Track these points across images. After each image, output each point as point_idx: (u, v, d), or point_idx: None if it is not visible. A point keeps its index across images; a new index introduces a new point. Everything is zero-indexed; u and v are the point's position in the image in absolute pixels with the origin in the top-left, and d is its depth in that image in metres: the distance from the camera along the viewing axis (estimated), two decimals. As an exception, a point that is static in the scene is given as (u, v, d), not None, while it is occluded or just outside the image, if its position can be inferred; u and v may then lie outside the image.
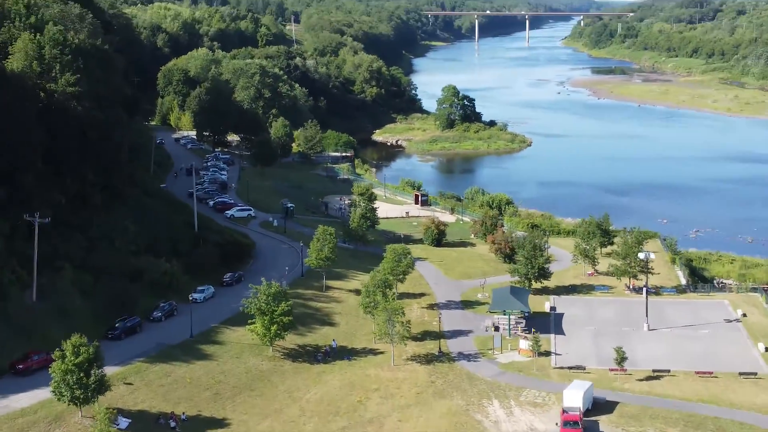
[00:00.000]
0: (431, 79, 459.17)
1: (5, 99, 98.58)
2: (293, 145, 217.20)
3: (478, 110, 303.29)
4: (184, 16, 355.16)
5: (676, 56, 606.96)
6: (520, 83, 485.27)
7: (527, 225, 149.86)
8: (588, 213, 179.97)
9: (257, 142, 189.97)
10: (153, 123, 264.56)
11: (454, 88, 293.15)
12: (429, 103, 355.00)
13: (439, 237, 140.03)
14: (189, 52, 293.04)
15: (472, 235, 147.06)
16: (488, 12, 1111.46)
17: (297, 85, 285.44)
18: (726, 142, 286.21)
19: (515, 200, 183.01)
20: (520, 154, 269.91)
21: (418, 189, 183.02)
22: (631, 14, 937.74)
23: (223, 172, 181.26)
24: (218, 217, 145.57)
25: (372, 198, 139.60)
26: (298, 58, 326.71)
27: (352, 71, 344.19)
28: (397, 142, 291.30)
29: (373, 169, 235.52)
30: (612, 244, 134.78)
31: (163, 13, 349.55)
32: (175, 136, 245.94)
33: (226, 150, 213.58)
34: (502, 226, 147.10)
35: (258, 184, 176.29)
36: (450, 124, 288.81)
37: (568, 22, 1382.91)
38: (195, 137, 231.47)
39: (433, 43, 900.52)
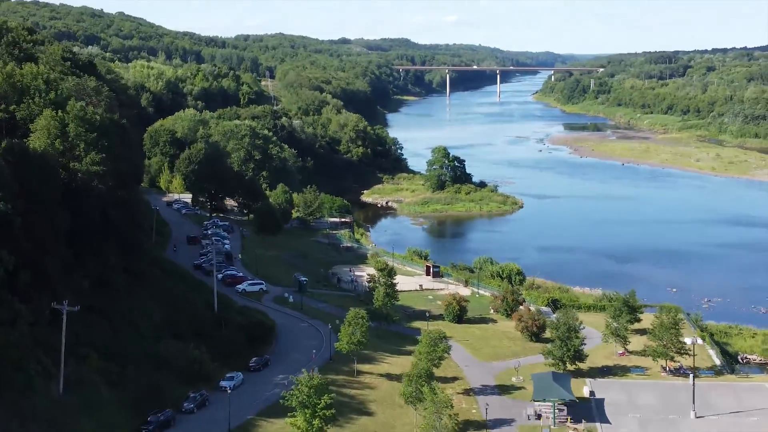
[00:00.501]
0: (407, 135, 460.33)
1: (30, 182, 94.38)
2: (292, 211, 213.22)
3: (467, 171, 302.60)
4: (167, 75, 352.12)
5: (651, 113, 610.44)
6: (500, 140, 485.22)
7: (547, 300, 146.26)
8: (595, 282, 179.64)
9: (260, 211, 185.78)
10: (142, 185, 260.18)
11: (444, 149, 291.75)
12: (411, 161, 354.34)
13: (460, 314, 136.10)
14: (176, 113, 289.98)
15: (492, 310, 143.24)
16: (459, 66, 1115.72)
17: (286, 147, 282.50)
18: (717, 204, 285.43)
19: (517, 268, 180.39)
20: (513, 217, 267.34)
21: (425, 258, 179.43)
22: (602, 69, 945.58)
23: (225, 241, 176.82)
24: (229, 292, 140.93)
25: (392, 274, 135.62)
26: (284, 118, 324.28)
27: (337, 130, 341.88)
28: (387, 203, 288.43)
29: (369, 234, 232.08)
30: (639, 321, 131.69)
31: (146, 72, 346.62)
32: (166, 199, 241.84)
33: (222, 215, 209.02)
34: (524, 301, 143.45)
35: (262, 254, 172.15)
36: (441, 186, 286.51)
37: (536, 76, 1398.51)
38: (188, 201, 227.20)
39: (405, 97, 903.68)
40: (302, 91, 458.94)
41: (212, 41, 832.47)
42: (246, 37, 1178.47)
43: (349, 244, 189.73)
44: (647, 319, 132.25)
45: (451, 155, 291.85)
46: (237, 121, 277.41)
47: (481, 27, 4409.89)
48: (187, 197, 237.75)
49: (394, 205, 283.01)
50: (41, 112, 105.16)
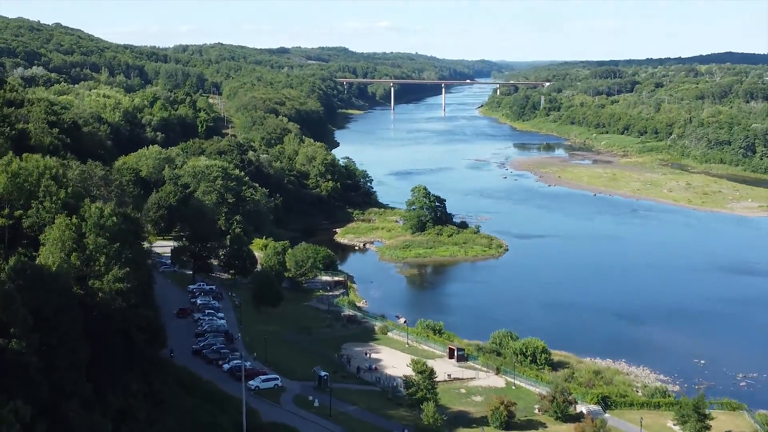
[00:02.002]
0: (360, 157, 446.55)
1: (46, 310, 78.50)
2: (285, 274, 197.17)
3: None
4: (124, 105, 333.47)
5: (607, 132, 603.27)
6: (460, 164, 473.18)
7: (597, 397, 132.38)
8: (608, 350, 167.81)
9: (258, 281, 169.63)
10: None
11: (425, 189, 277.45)
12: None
13: (508, 419, 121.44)
14: (139, 150, 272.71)
15: (538, 410, 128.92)
16: (403, 80, 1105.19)
17: (259, 187, 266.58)
18: (709, 245, 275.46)
19: (523, 334, 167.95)
20: (500, 262, 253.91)
21: (440, 332, 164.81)
22: (547, 83, 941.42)
23: (219, 314, 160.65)
24: (238, 388, 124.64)
25: (432, 375, 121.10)
26: (251, 152, 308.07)
27: (305, 163, 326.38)
28: (364, 245, 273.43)
29: (355, 285, 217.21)
30: (708, 429, 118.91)
31: (102, 101, 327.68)
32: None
33: (206, 273, 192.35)
34: (575, 401, 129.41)
35: (261, 329, 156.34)
36: (421, 227, 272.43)
37: (473, 86, 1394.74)
38: (160, 252, 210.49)
39: (350, 111, 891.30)
40: (257, 114, 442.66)
41: (153, 54, 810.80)
42: (185, 48, 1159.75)
43: (350, 313, 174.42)
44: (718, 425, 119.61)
45: (431, 195, 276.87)
46: (207, 161, 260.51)
47: (415, 33, 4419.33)
48: (163, 246, 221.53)
49: (373, 249, 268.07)
50: (53, 219, 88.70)
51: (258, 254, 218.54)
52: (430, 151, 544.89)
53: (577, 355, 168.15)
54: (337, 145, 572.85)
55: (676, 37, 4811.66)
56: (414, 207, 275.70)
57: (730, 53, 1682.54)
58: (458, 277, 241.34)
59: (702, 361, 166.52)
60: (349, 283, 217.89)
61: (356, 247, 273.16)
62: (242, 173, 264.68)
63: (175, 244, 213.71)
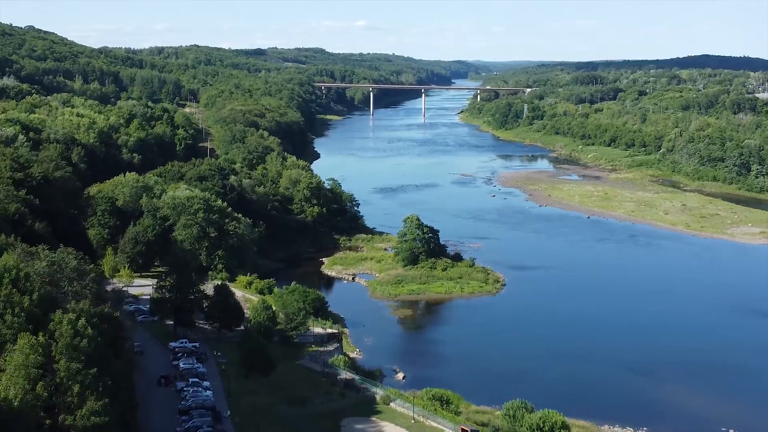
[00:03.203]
0: (341, 170, 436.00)
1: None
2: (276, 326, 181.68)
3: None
4: (99, 125, 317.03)
5: (593, 144, 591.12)
6: (445, 180, 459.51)
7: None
8: (628, 416, 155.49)
9: (248, 347, 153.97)
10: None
11: (417, 219, 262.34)
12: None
13: None
14: (114, 177, 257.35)
15: None
16: (382, 85, 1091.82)
17: (242, 218, 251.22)
18: (718, 279, 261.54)
19: (535, 396, 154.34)
20: (499, 299, 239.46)
21: (448, 403, 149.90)
22: (528, 90, 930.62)
23: (205, 383, 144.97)
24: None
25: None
26: (232, 177, 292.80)
27: (289, 187, 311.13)
28: (353, 278, 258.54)
29: (347, 330, 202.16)
30: None
31: (76, 121, 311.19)
32: (112, 287, 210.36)
33: (188, 326, 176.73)
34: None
35: (252, 401, 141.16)
36: (414, 260, 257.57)
37: (450, 90, 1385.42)
38: (144, 298, 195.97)
39: (328, 117, 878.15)
40: (236, 128, 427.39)
41: (128, 59, 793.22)
42: (161, 50, 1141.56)
43: (348, 377, 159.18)
44: None
45: (424, 225, 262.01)
46: (187, 191, 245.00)
47: (392, 33, 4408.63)
48: (141, 286, 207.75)
49: (363, 283, 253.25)
50: (15, 337, 73.32)
51: (240, 292, 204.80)
52: (413, 164, 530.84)
53: (596, 423, 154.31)
54: (317, 156, 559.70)
55: (652, 38, 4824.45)
56: (406, 238, 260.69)
57: (706, 56, 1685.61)
58: (456, 318, 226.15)
59: (730, 431, 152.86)
60: (341, 329, 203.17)
61: (344, 281, 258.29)
62: (224, 203, 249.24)
63: (154, 284, 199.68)
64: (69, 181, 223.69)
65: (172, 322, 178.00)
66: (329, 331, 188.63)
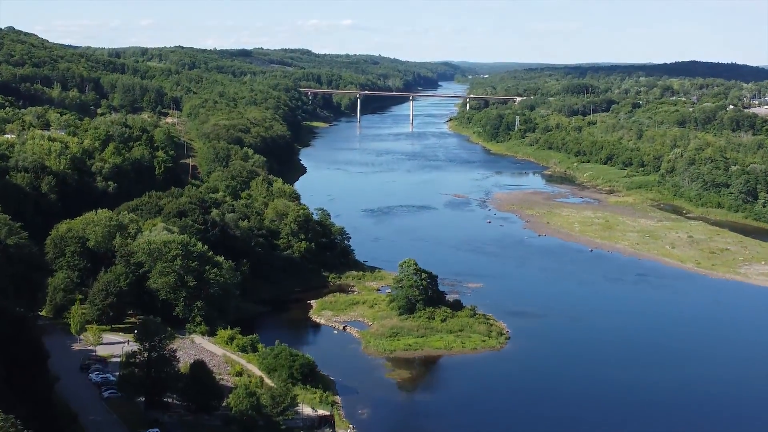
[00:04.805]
0: (329, 187, 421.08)
1: None
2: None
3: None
4: (72, 150, 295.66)
5: (588, 161, 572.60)
6: (437, 202, 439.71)
7: None
8: None
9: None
10: (42, 314, 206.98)
11: (415, 264, 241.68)
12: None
13: None
14: (86, 214, 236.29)
15: None
16: (369, 92, 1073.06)
17: (224, 261, 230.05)
18: (748, 335, 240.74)
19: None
20: (504, 357, 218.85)
21: None
22: (519, 99, 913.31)
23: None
24: None
25: None
26: (214, 211, 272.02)
27: (275, 219, 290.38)
28: (344, 328, 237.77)
29: (352, 427, 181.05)
30: None
31: (47, 146, 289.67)
32: (78, 347, 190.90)
33: (162, 411, 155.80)
34: None
35: None
36: (410, 309, 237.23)
37: (437, 91, 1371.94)
38: (113, 362, 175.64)
39: (315, 123, 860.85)
40: (219, 146, 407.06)
41: (110, 63, 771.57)
42: (144, 51, 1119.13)
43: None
44: None
45: (422, 270, 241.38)
46: (165, 234, 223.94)
47: (379, 32, 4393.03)
48: (111, 343, 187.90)
49: (355, 334, 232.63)
50: None
51: (221, 351, 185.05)
52: (404, 181, 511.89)
53: None
54: (304, 170, 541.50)
55: (639, 41, 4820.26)
56: (402, 284, 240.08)
57: (694, 62, 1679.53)
58: (458, 383, 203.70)
59: None
60: (332, 398, 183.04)
61: (335, 330, 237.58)
62: (205, 246, 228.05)
63: (126, 343, 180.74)
64: (25, 249, 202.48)
65: (143, 399, 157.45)
66: (320, 412, 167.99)
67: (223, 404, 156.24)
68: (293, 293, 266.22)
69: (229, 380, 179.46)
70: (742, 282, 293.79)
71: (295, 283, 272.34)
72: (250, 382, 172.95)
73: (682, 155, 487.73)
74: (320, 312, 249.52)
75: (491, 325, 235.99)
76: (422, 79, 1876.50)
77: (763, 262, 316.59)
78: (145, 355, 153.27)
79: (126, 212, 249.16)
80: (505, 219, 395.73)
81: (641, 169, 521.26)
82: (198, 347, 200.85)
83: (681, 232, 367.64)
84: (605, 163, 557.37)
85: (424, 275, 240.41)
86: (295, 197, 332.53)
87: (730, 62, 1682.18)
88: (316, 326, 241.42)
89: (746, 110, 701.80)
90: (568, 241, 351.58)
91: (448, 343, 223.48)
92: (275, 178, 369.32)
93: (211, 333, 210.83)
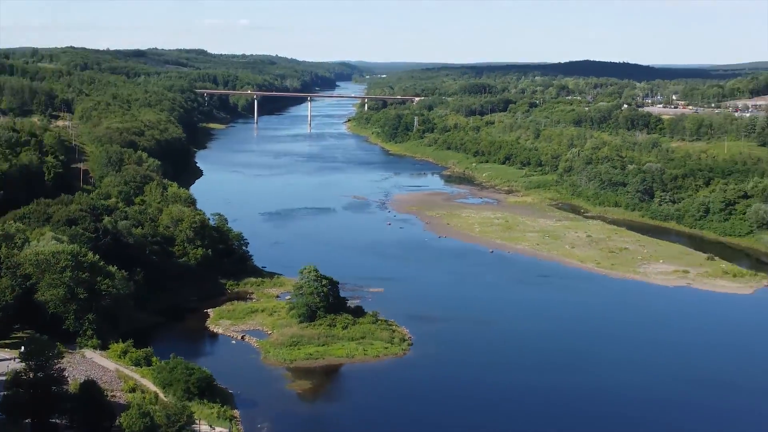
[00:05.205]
0: (226, 190, 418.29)
1: None
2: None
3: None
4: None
5: (487, 161, 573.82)
6: (337, 203, 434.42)
7: None
8: None
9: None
10: None
11: (315, 270, 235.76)
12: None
13: None
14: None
15: None
16: (267, 92, 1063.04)
17: (117, 271, 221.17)
18: (657, 339, 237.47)
19: None
20: (407, 364, 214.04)
21: None
22: (417, 99, 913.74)
23: None
24: None
25: None
26: (106, 218, 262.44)
27: (170, 226, 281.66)
28: (243, 338, 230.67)
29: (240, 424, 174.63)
30: None
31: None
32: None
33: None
34: None
35: None
36: (311, 317, 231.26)
37: (335, 90, 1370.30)
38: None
39: (211, 125, 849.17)
40: (112, 149, 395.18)
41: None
42: (34, 51, 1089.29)
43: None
44: None
45: (323, 277, 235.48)
46: (53, 244, 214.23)
47: (276, 32, 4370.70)
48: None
49: (254, 344, 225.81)
50: None
51: (113, 365, 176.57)
52: (303, 183, 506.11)
53: None
54: (200, 173, 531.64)
55: (535, 40, 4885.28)
56: (302, 291, 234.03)
57: (588, 61, 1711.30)
58: (361, 392, 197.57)
59: None
60: (230, 412, 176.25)
61: (233, 341, 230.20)
62: (96, 256, 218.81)
63: (12, 360, 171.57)
64: None
65: (29, 422, 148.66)
66: (218, 430, 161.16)
67: (115, 424, 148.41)
68: (190, 302, 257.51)
69: (122, 397, 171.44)
70: (642, 281, 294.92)
71: (191, 291, 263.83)
72: (144, 398, 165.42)
73: (579, 154, 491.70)
74: (218, 321, 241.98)
75: (394, 331, 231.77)
76: (320, 79, 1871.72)
77: (661, 261, 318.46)
78: (31, 374, 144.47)
79: (12, 221, 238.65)
80: (405, 221, 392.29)
81: (539, 168, 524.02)
82: (89, 362, 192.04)
83: (580, 231, 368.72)
84: (504, 163, 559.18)
85: (324, 281, 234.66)
86: (191, 202, 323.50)
87: (622, 61, 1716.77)
88: (214, 336, 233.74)
89: (640, 109, 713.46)
90: (468, 242, 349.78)
91: (350, 351, 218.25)
92: (170, 182, 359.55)
93: (104, 347, 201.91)
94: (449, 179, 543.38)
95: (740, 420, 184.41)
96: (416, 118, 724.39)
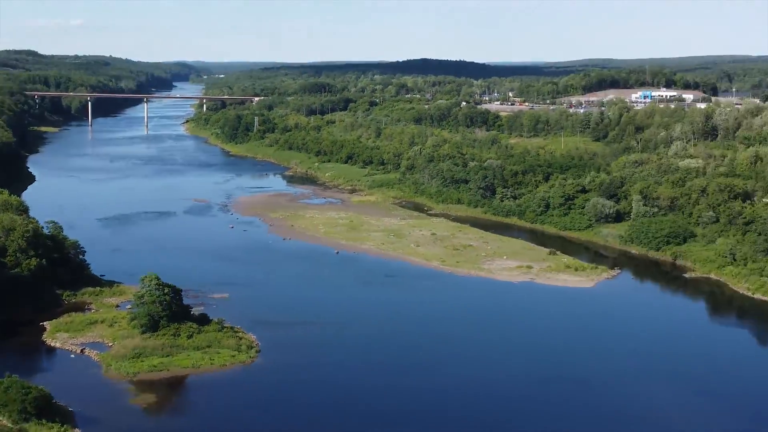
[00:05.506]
0: (62, 198, 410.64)
1: None
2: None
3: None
4: None
5: (329, 160, 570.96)
6: (178, 207, 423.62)
7: None
8: None
9: None
10: None
11: (157, 278, 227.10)
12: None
13: None
14: None
15: None
16: (101, 94, 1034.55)
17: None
18: (511, 331, 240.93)
19: None
20: (254, 371, 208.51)
21: None
22: (257, 99, 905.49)
23: None
24: None
25: None
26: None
27: (1, 236, 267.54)
28: (82, 351, 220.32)
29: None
30: None
31: None
32: None
33: None
34: None
35: None
36: (153, 327, 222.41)
37: (172, 91, 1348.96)
38: None
39: (43, 128, 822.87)
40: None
41: None
42: None
43: None
44: None
45: (165, 285, 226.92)
46: None
47: (111, 32, 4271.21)
48: None
49: (95, 357, 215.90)
50: None
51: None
52: (142, 187, 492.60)
53: None
54: (33, 179, 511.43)
55: (373, 39, 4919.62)
56: (144, 300, 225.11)
57: (425, 60, 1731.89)
58: (209, 403, 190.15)
59: None
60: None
61: (72, 354, 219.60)
62: None
63: None
64: None
65: None
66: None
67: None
68: (25, 315, 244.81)
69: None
70: (487, 278, 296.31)
71: (25, 303, 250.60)
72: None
73: (421, 152, 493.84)
74: (55, 334, 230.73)
75: (240, 338, 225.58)
76: (156, 80, 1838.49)
77: (504, 257, 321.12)
78: None
79: None
80: (249, 223, 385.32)
81: (382, 167, 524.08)
82: None
83: (425, 229, 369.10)
84: (346, 162, 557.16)
85: (167, 289, 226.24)
86: (23, 210, 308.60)
87: (458, 59, 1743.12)
88: (51, 351, 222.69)
89: (478, 106, 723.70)
90: (314, 243, 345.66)
91: (196, 361, 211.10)
92: (0, 189, 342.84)
93: None
94: (292, 180, 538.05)
95: (587, 414, 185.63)
96: (256, 119, 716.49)
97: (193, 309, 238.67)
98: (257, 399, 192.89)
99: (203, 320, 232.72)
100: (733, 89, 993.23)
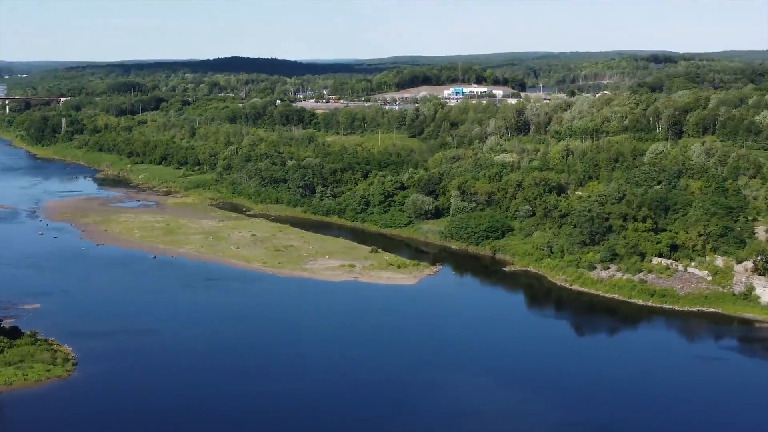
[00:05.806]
0: None
1: None
2: None
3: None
4: None
5: (143, 162, 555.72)
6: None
7: None
8: None
9: None
10: None
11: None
12: None
13: None
14: None
15: None
16: None
17: None
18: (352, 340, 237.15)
19: None
20: (72, 385, 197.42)
21: None
22: (63, 99, 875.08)
23: None
24: None
25: None
26: None
27: None
28: None
29: None
30: None
31: None
32: None
33: None
34: None
35: None
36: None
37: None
38: None
39: None
40: None
41: None
42: None
43: None
44: None
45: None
46: None
47: None
48: None
49: None
50: None
51: None
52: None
53: None
54: None
55: (181, 37, 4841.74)
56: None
57: (236, 57, 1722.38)
58: (24, 425, 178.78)
59: None
60: None
61: None
62: None
63: None
64: None
65: None
66: None
67: None
68: None
69: None
70: (310, 278, 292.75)
71: None
72: None
73: (237, 152, 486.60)
74: None
75: (55, 351, 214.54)
76: None
77: (327, 257, 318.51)
78: None
79: None
80: (59, 229, 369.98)
81: (197, 168, 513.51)
82: None
83: (244, 231, 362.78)
84: (160, 163, 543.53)
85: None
86: None
87: (270, 57, 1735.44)
88: None
89: (294, 104, 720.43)
90: (130, 248, 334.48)
91: (9, 378, 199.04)
92: None
93: None
94: (104, 182, 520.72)
95: (410, 414, 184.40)
96: (64, 120, 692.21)
97: (2, 322, 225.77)
98: (76, 414, 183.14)
99: (15, 333, 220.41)
100: (540, 84, 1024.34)
